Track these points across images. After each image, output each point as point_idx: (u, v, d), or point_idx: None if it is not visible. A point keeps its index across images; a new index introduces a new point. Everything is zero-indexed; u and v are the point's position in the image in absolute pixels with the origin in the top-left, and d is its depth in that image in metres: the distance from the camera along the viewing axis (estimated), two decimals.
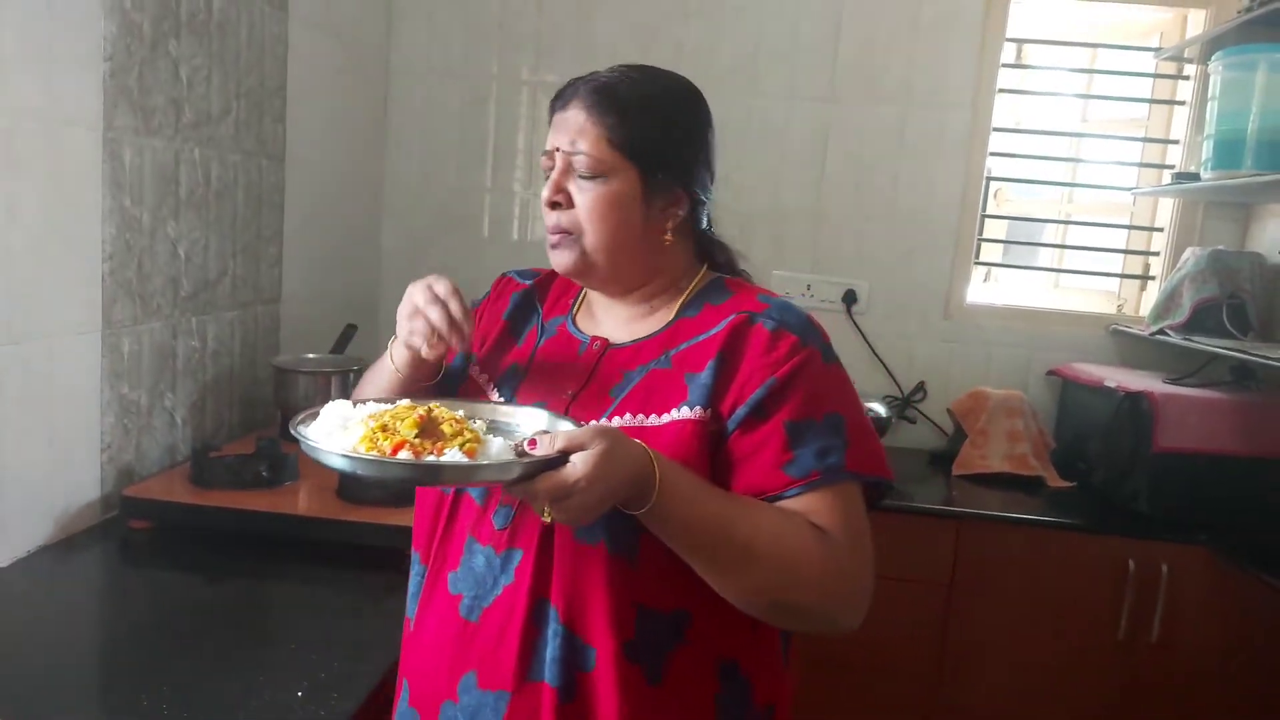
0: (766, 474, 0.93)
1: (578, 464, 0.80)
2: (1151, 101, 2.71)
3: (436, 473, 0.83)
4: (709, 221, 1.10)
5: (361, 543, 1.50)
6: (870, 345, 2.67)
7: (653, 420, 0.96)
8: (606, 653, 0.92)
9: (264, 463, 1.67)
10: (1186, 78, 2.64)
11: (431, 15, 2.68)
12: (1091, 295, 2.83)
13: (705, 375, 0.96)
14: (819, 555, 0.90)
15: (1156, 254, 2.71)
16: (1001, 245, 2.85)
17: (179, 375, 1.78)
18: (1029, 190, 2.86)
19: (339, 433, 0.87)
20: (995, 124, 2.64)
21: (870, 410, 2.41)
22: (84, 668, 1.15)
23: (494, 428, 0.94)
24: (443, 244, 2.76)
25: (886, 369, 2.67)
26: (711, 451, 0.95)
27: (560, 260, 1.03)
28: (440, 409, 0.90)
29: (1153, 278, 2.72)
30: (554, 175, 1.01)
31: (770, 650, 1.03)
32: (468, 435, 0.85)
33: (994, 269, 2.85)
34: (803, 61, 2.60)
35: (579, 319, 1.12)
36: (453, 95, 2.71)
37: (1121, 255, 2.78)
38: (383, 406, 0.92)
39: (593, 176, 0.99)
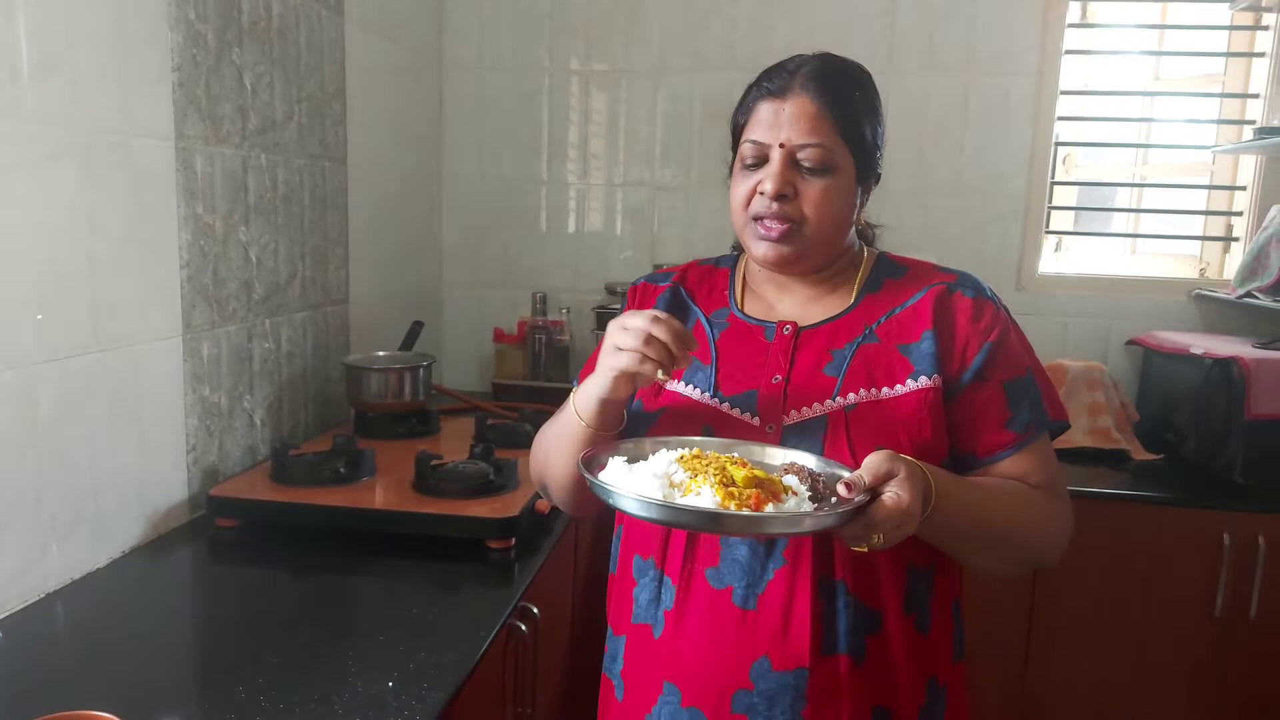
0: (996, 431, 1.01)
1: (901, 493, 0.85)
2: (1228, 55, 2.59)
3: (799, 521, 0.85)
4: None
5: (439, 534, 1.52)
6: None
7: (887, 393, 1.01)
8: (893, 613, 1.00)
9: (341, 459, 1.70)
10: (1266, 28, 2.51)
11: (481, 10, 2.69)
12: (1171, 260, 2.72)
13: (926, 344, 1.02)
14: (1051, 517, 1.02)
15: (1239, 214, 2.59)
16: (1073, 213, 2.76)
17: (256, 377, 1.82)
18: (1100, 154, 2.76)
19: (671, 493, 0.87)
20: (1063, 87, 2.55)
21: None
22: (181, 663, 1.19)
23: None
24: (501, 238, 2.77)
25: None
26: (947, 413, 1.02)
27: (779, 251, 1.04)
28: (717, 455, 0.93)
29: (1236, 239, 2.60)
30: (778, 167, 1.01)
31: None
32: (781, 484, 0.88)
33: (1066, 237, 2.76)
34: (860, 33, 2.55)
35: (746, 306, 1.13)
36: (505, 88, 2.72)
37: (1202, 217, 2.67)
38: (676, 453, 0.94)
39: (822, 170, 1.02)
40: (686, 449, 0.96)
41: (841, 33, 2.55)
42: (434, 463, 1.67)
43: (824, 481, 0.91)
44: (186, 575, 1.49)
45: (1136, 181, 2.75)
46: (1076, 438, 2.34)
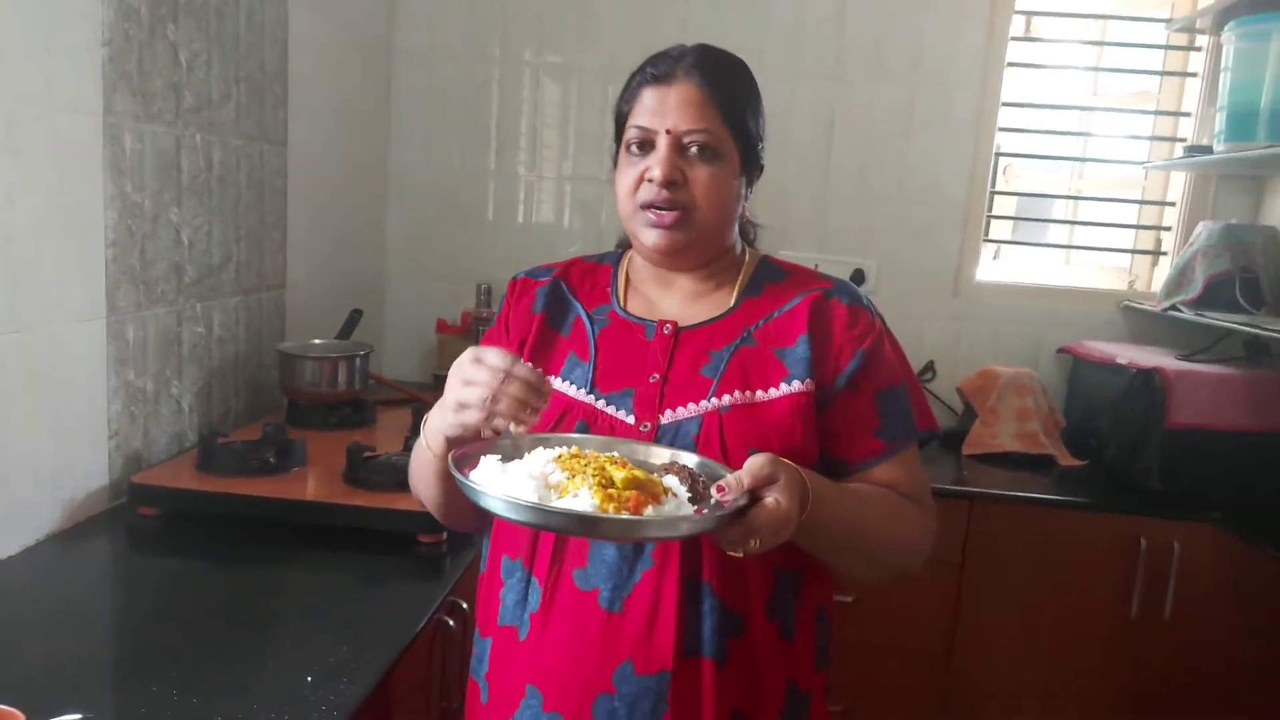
0: (867, 438, 1.03)
1: (781, 498, 0.85)
2: (1163, 74, 2.67)
3: (677, 525, 0.83)
4: None
5: (369, 527, 1.50)
6: None
7: (760, 395, 1.01)
8: (757, 617, 1.00)
9: (271, 449, 1.67)
10: (1199, 49, 2.60)
11: (434, 4, 2.65)
12: (1102, 272, 2.80)
13: (800, 349, 1.02)
14: (918, 525, 1.04)
15: (1168, 229, 2.68)
16: (1011, 222, 2.83)
17: (185, 362, 1.77)
18: (1039, 166, 2.83)
19: (548, 494, 0.84)
20: (1004, 99, 2.61)
21: None
22: (93, 655, 1.15)
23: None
24: (447, 229, 2.74)
25: None
26: (819, 419, 1.02)
27: (670, 239, 1.03)
28: (597, 454, 0.90)
29: (1165, 253, 2.69)
30: (665, 153, 1.00)
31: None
32: (661, 485, 0.86)
33: (1003, 246, 2.82)
34: (809, 40, 2.57)
35: (629, 304, 1.11)
36: (455, 79, 2.68)
37: (1133, 231, 2.75)
38: (552, 452, 0.90)
39: (709, 157, 1.02)
40: (566, 447, 0.92)
41: (791, 37, 2.57)
42: (366, 454, 1.64)
43: (704, 481, 0.90)
44: (103, 565, 1.44)
45: (1072, 194, 2.83)
46: (1005, 441, 2.40)
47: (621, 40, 2.62)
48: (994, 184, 2.69)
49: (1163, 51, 2.66)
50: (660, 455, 0.96)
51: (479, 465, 0.90)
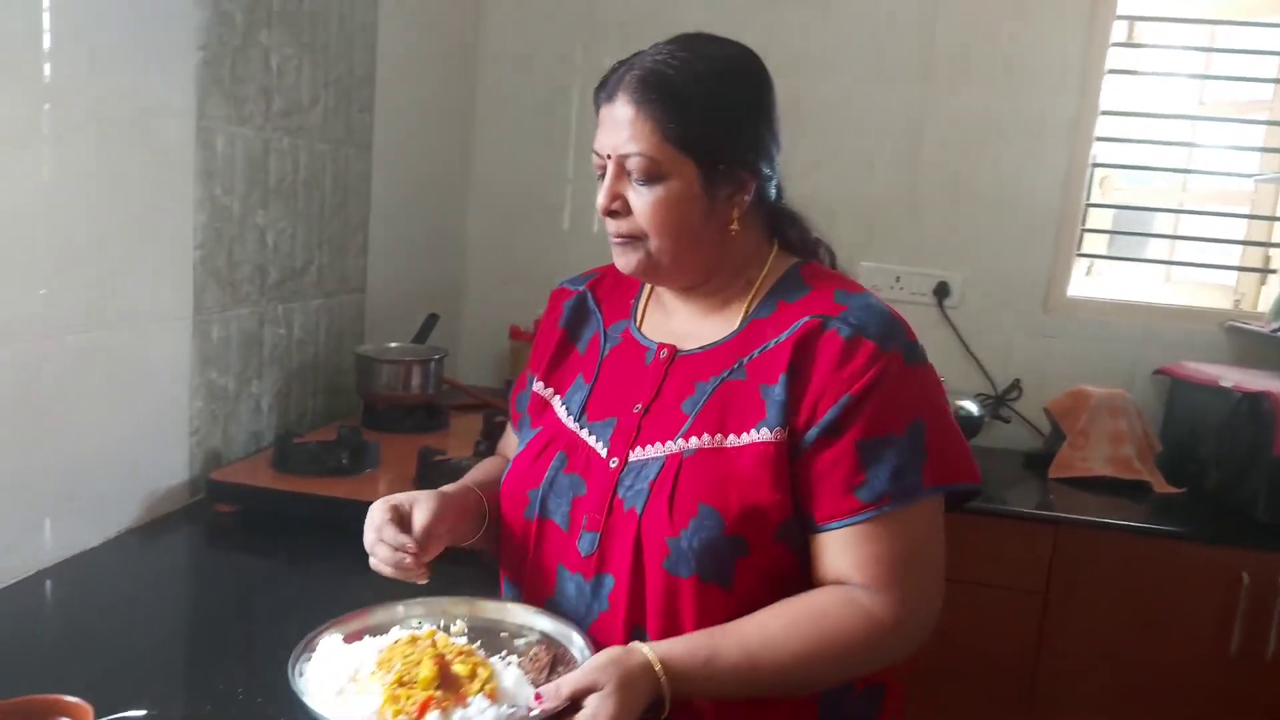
0: (838, 497, 0.89)
1: (602, 706, 0.78)
2: (1277, 81, 2.51)
3: None
4: (778, 191, 1.03)
5: None
6: (963, 340, 2.56)
7: (731, 441, 0.91)
8: None
9: (345, 450, 1.69)
10: None
11: (520, 4, 2.67)
12: (1205, 289, 2.65)
13: (778, 390, 0.90)
14: (860, 642, 0.88)
15: (1279, 245, 2.52)
16: (1107, 236, 2.70)
17: (265, 362, 1.81)
18: (1139, 178, 2.70)
19: (349, 688, 0.85)
20: (1103, 107, 2.49)
21: (962, 409, 2.31)
22: (163, 650, 1.17)
23: (493, 630, 0.96)
24: (525, 234, 2.75)
25: (980, 365, 2.56)
26: (791, 471, 0.90)
27: (625, 263, 0.98)
28: (444, 639, 0.89)
29: (1274, 270, 2.53)
30: (607, 180, 0.94)
31: None
32: (482, 674, 0.84)
33: (1098, 261, 2.70)
34: (898, 43, 2.50)
35: (646, 321, 1.06)
36: (538, 84, 2.69)
37: (1240, 246, 2.60)
38: (384, 641, 0.90)
39: (649, 179, 0.92)
40: (431, 622, 0.95)
41: (879, 42, 2.50)
42: (437, 458, 1.65)
43: (563, 671, 0.87)
44: (180, 559, 1.48)
45: (1175, 207, 2.68)
46: (1096, 465, 2.28)
47: None
48: (1090, 196, 2.57)
49: (1277, 58, 2.50)
50: (543, 623, 0.94)
51: (317, 649, 0.91)
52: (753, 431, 0.90)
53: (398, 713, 0.79)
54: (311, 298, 1.95)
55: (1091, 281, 2.68)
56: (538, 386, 1.08)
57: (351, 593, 1.39)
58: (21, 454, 1.27)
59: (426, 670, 0.83)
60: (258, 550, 1.48)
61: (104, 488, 1.42)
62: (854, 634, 0.88)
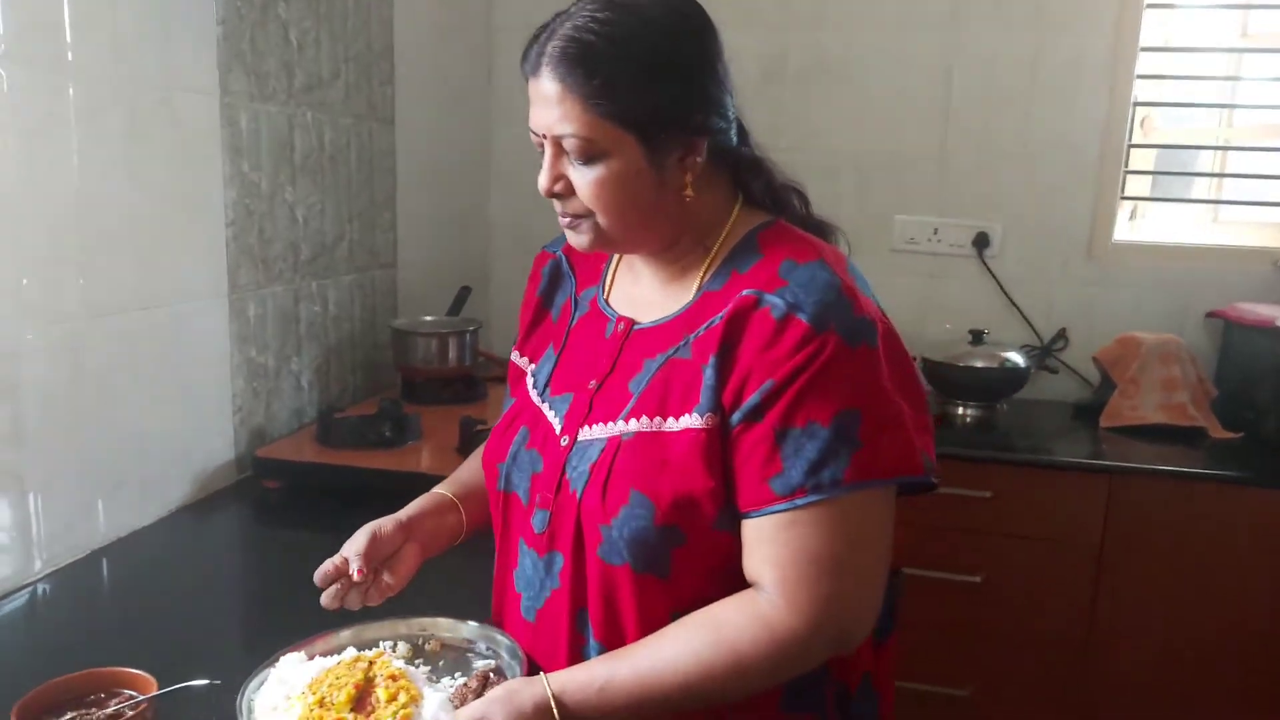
0: (754, 486, 0.82)
1: None
2: None
3: None
4: (740, 136, 0.95)
5: None
6: (1005, 291, 2.50)
7: (670, 425, 0.86)
8: None
9: (387, 423, 1.68)
10: None
11: None
12: (1255, 228, 2.56)
13: (709, 371, 0.85)
14: (759, 656, 0.81)
15: None
16: (1150, 178, 2.62)
17: (303, 339, 1.81)
18: (1181, 115, 2.61)
19: (283, 704, 0.87)
20: (1142, 44, 2.41)
21: (1007, 361, 2.26)
22: (219, 623, 1.18)
23: (462, 649, 0.98)
24: (547, 207, 2.70)
25: (1024, 316, 2.50)
26: (724, 457, 0.85)
27: (578, 242, 0.92)
28: (384, 662, 0.91)
29: None
30: (546, 161, 0.87)
31: None
32: (403, 700, 0.85)
33: (1142, 204, 2.62)
34: None
35: (614, 288, 1.01)
36: None
37: None
38: (330, 662, 0.93)
39: (588, 159, 0.85)
40: (409, 641, 0.98)
41: None
42: (478, 428, 1.64)
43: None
44: (232, 535, 1.49)
45: (1220, 144, 2.59)
46: (1148, 413, 2.22)
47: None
48: (1131, 137, 2.49)
49: None
50: (500, 640, 0.96)
51: (278, 664, 0.93)
52: (687, 416, 0.85)
53: None
54: (344, 273, 1.94)
55: (1136, 225, 2.60)
56: (514, 355, 1.07)
57: None
58: (72, 437, 1.27)
59: (343, 694, 0.86)
60: (305, 524, 1.48)
61: (153, 468, 1.43)
62: (751, 648, 0.81)
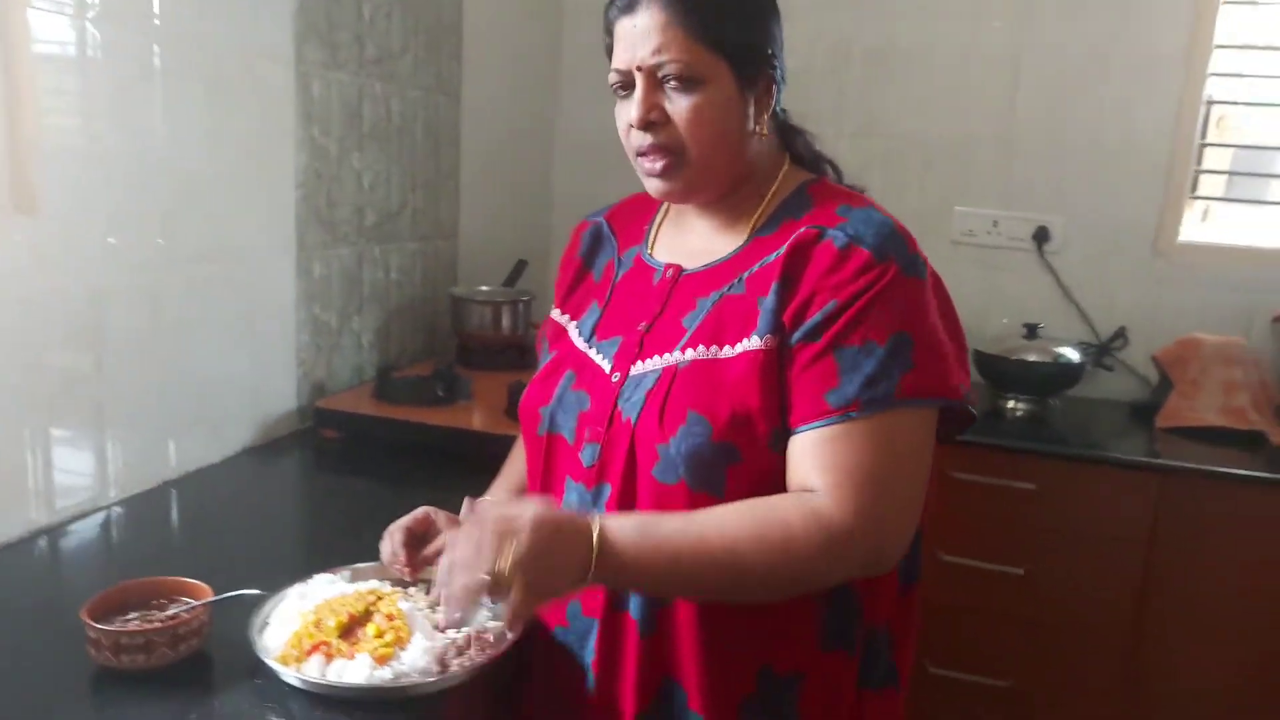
0: (810, 401, 0.87)
1: (502, 530, 0.79)
2: None
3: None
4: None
5: None
6: (1063, 287, 2.47)
7: (726, 352, 0.91)
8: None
9: (441, 383, 1.75)
10: None
11: None
12: None
13: (770, 298, 0.90)
14: (809, 541, 0.83)
15: None
16: (1225, 178, 2.55)
17: (365, 301, 1.89)
18: (1260, 115, 2.53)
19: (294, 617, 0.94)
20: (1218, 40, 2.35)
21: (1061, 356, 2.24)
22: (272, 549, 1.27)
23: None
24: (610, 184, 2.71)
25: (1082, 312, 2.46)
26: (779, 378, 0.89)
27: (665, 186, 0.96)
28: (391, 599, 0.97)
29: None
30: (641, 91, 0.92)
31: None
32: (389, 639, 0.91)
33: (1214, 204, 2.55)
34: None
35: (658, 243, 1.07)
36: None
37: None
38: (348, 590, 1.00)
39: (687, 85, 0.90)
40: (386, 582, 1.04)
41: None
42: None
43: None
44: (289, 478, 1.57)
45: None
46: (1207, 415, 2.18)
47: (802, 5, 2.55)
48: (1204, 135, 2.43)
49: None
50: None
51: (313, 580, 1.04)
52: (743, 342, 0.91)
53: (294, 645, 0.90)
54: (407, 240, 2.02)
55: (1208, 225, 2.54)
56: (555, 314, 1.12)
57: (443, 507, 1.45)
58: (149, 377, 1.37)
59: (335, 620, 0.92)
60: (360, 472, 1.56)
61: (222, 411, 1.52)
62: (802, 531, 0.83)
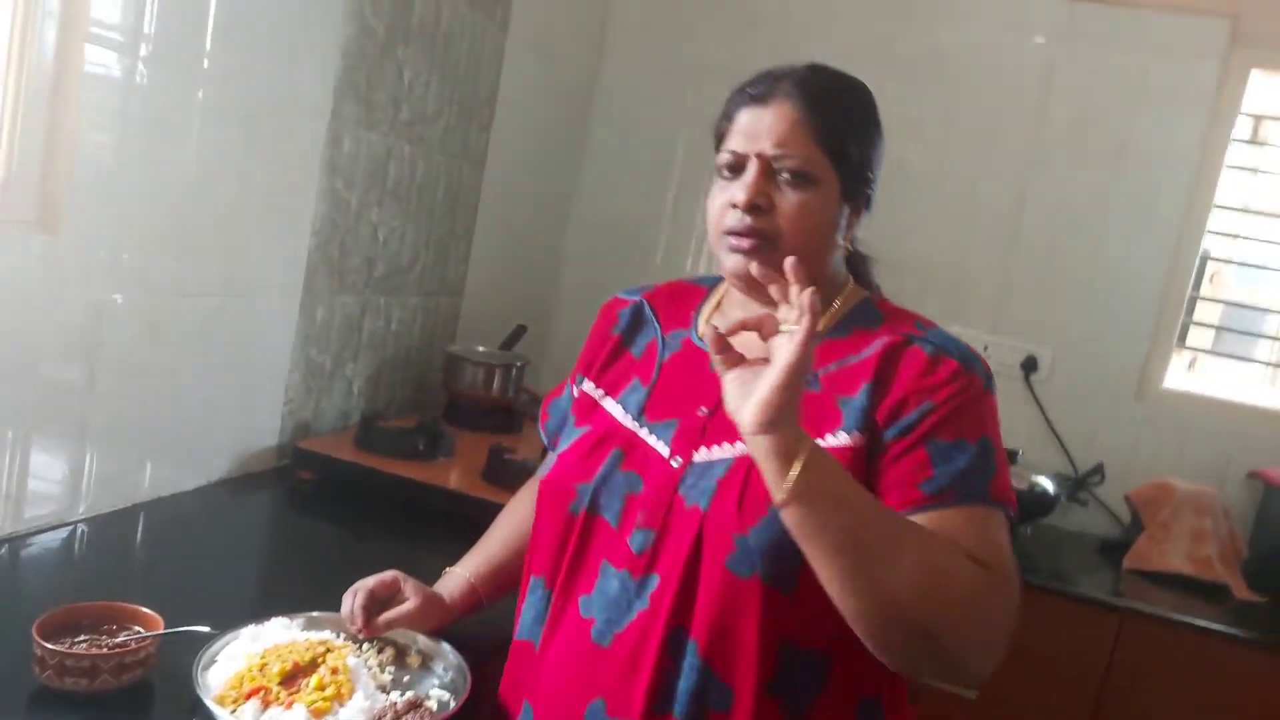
0: (902, 491, 0.88)
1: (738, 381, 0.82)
2: None
3: None
4: None
5: None
6: (1046, 417, 2.51)
7: None
8: (746, 693, 0.88)
9: (424, 437, 1.78)
10: None
11: (643, 45, 2.78)
12: None
13: (859, 398, 0.92)
14: (968, 573, 0.83)
15: None
16: (1213, 331, 2.61)
17: (362, 348, 1.93)
18: (1253, 276, 2.61)
19: (242, 658, 0.97)
20: (1218, 201, 2.44)
21: (1037, 485, 2.27)
22: (232, 583, 1.28)
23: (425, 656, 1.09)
24: (618, 266, 2.83)
25: (1061, 444, 2.50)
26: (867, 476, 0.90)
27: (736, 264, 0.97)
28: (340, 653, 0.99)
29: None
30: (752, 176, 0.95)
31: (902, 684, 0.99)
32: (329, 692, 0.93)
33: (1201, 356, 2.61)
34: (1010, 116, 2.51)
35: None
36: (648, 123, 2.80)
37: None
38: (300, 637, 1.03)
39: (800, 182, 0.95)
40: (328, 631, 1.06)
41: (990, 112, 2.52)
42: (506, 455, 1.72)
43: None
44: (259, 514, 1.59)
45: None
46: (1174, 561, 2.19)
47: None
48: (1197, 288, 2.51)
49: None
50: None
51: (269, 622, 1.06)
52: (828, 437, 0.91)
53: (234, 685, 0.92)
54: (412, 294, 2.07)
55: (1193, 375, 2.60)
56: (587, 387, 1.11)
57: (404, 567, 1.47)
58: (137, 398, 1.40)
59: (279, 666, 0.94)
60: (330, 517, 1.58)
61: (202, 440, 1.55)
62: (963, 557, 0.83)
